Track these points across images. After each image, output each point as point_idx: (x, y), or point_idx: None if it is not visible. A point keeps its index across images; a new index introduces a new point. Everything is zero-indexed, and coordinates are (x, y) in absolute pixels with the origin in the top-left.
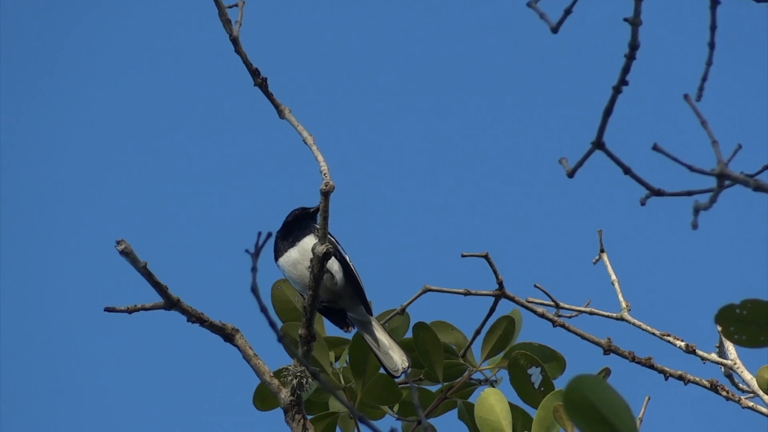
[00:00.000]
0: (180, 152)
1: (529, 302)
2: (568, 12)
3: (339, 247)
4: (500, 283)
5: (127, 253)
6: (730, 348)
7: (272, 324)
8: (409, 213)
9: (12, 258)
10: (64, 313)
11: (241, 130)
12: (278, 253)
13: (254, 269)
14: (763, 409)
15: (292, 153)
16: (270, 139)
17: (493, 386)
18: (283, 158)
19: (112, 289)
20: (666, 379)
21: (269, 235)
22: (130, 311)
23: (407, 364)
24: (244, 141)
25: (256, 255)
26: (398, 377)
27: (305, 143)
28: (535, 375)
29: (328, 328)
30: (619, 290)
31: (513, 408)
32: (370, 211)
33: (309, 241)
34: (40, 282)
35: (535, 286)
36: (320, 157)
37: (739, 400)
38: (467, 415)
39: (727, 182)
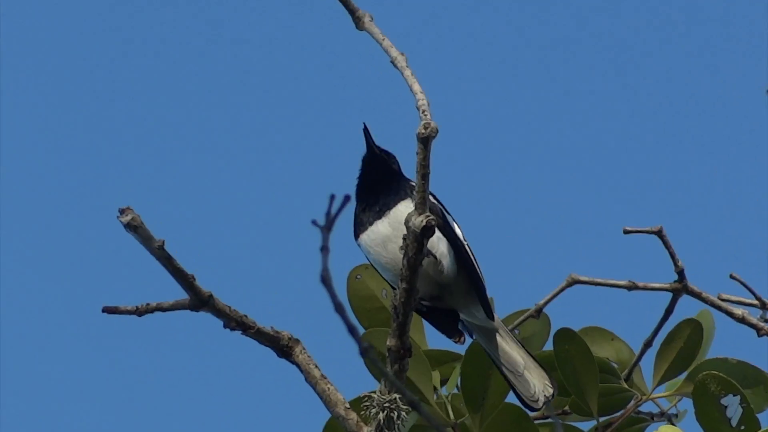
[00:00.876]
0: (206, 87)
1: (722, 300)
2: None
3: (447, 218)
4: (680, 273)
5: (135, 227)
6: None
7: (351, 330)
8: (542, 172)
9: None
10: (48, 315)
11: (292, 48)
12: (359, 227)
13: (325, 249)
14: None
15: (372, 81)
16: (337, 61)
17: (671, 423)
18: (357, 89)
19: (114, 283)
20: None
21: (347, 198)
22: (140, 312)
23: (551, 390)
24: (294, 64)
25: (328, 228)
26: (536, 409)
27: (394, 65)
28: (732, 407)
29: (430, 338)
30: None
31: None
32: (486, 166)
33: (404, 209)
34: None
35: (731, 276)
36: (416, 86)
37: None
38: None
39: None
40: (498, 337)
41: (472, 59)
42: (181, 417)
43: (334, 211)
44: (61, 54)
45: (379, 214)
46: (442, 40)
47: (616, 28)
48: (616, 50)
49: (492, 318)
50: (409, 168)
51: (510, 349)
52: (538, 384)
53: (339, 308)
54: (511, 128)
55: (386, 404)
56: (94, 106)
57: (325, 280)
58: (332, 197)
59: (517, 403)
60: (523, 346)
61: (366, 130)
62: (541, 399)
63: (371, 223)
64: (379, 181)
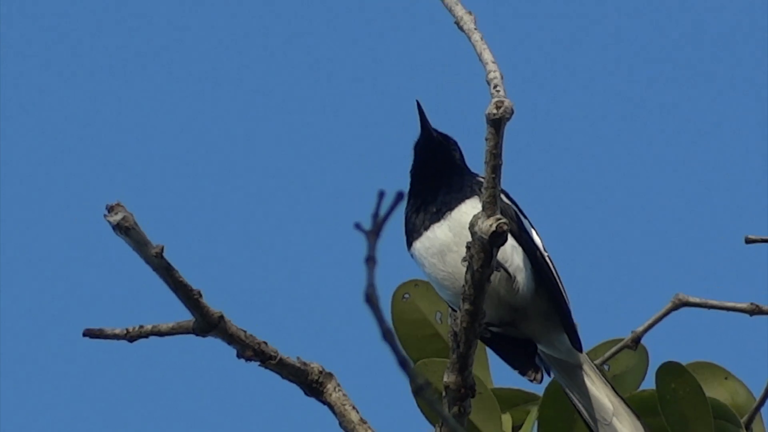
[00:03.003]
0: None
1: None
2: None
3: (523, 223)
4: None
5: (126, 229)
6: None
7: (403, 362)
8: (641, 168)
9: None
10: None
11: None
12: (412, 233)
13: (371, 260)
14: None
15: (428, 46)
16: (378, 16)
17: None
18: (408, 55)
19: (100, 299)
20: None
21: (399, 196)
22: (131, 337)
23: None
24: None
25: (376, 233)
26: None
27: (458, 27)
28: None
29: (498, 374)
30: None
31: None
32: (571, 158)
33: (469, 211)
34: None
35: None
36: (487, 55)
37: None
38: None
39: None
40: (583, 375)
41: (562, 22)
42: None
43: (383, 212)
44: (52, 51)
45: (437, 216)
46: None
47: None
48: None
49: (579, 349)
50: (474, 160)
51: (597, 390)
52: None
53: (387, 335)
54: (602, 115)
55: None
56: (87, 102)
57: (371, 299)
58: (381, 194)
59: None
60: (613, 388)
61: (420, 108)
62: None
63: (427, 228)
64: (437, 174)
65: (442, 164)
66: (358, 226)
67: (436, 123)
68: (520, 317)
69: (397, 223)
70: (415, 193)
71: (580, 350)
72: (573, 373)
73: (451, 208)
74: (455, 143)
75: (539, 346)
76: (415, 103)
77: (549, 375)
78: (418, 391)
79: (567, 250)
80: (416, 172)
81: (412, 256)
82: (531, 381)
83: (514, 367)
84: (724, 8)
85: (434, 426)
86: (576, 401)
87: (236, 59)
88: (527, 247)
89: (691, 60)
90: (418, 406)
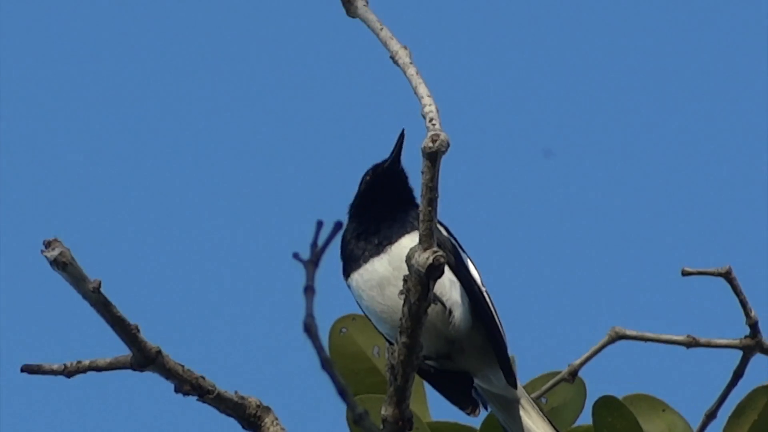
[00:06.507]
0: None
1: None
2: None
3: (461, 256)
4: (753, 326)
5: (64, 264)
6: None
7: (343, 392)
8: (578, 199)
9: None
10: None
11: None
12: (352, 264)
13: (310, 289)
14: None
15: (366, 82)
16: (321, 56)
17: None
18: (346, 91)
19: (38, 335)
20: None
21: (338, 226)
22: (69, 372)
23: None
24: (269, 57)
25: (314, 262)
26: None
27: (394, 61)
28: None
29: (435, 408)
30: None
31: None
32: (509, 191)
33: (409, 245)
34: None
35: None
36: (423, 89)
37: None
38: None
39: None
40: (519, 409)
41: (492, 56)
42: None
43: (321, 241)
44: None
45: (378, 250)
46: (456, 31)
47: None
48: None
49: (514, 385)
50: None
51: (534, 424)
52: None
53: (326, 363)
54: (539, 142)
55: None
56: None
57: (310, 328)
58: (320, 224)
59: None
60: (550, 422)
61: (401, 138)
62: None
63: (366, 260)
64: (387, 205)
65: (395, 196)
66: (296, 255)
67: (374, 157)
68: (456, 350)
69: (335, 251)
70: (357, 219)
71: (515, 386)
72: (510, 407)
73: (391, 242)
74: (395, 168)
75: (475, 380)
76: (400, 132)
77: (486, 409)
78: (358, 420)
79: (504, 283)
80: (366, 195)
81: (349, 286)
82: (468, 415)
83: (452, 401)
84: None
85: None
86: None
87: None
88: (464, 281)
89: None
90: None
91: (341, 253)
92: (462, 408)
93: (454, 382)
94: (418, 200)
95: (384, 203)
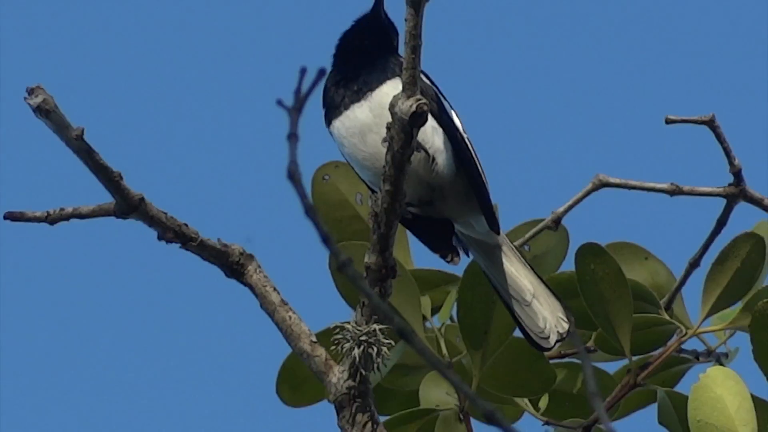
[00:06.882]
0: None
1: None
2: None
3: (443, 104)
4: (737, 174)
5: (47, 111)
6: None
7: (326, 239)
8: (562, 45)
9: None
10: None
11: None
12: (333, 111)
13: (293, 137)
14: None
15: None
16: None
17: (722, 364)
18: None
19: (21, 184)
20: None
21: (321, 73)
22: (52, 219)
23: (566, 325)
24: None
25: (297, 109)
26: (547, 349)
27: None
28: None
29: (418, 256)
30: None
31: (757, 402)
32: (493, 39)
33: (390, 92)
34: None
35: None
36: None
37: None
38: (674, 413)
39: None
40: (501, 256)
41: None
42: (103, 351)
43: (305, 88)
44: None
45: (358, 96)
46: None
47: None
48: None
49: (496, 230)
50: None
51: (516, 271)
52: (549, 317)
53: (310, 210)
54: None
55: (363, 337)
56: None
57: (294, 176)
58: (303, 71)
59: (526, 339)
60: (532, 269)
61: None
62: (553, 337)
63: (347, 107)
64: (366, 52)
65: (375, 45)
66: (279, 102)
67: (354, 6)
68: (438, 197)
69: (316, 101)
70: (337, 66)
71: (498, 232)
72: (491, 253)
73: (371, 89)
74: (397, 33)
75: (457, 227)
76: None
77: (468, 256)
78: (341, 268)
79: (487, 132)
80: (345, 43)
81: (330, 133)
82: (448, 262)
83: (431, 249)
84: None
85: (354, 309)
86: (495, 282)
87: None
88: (447, 128)
89: None
90: (338, 288)
91: (322, 100)
92: (442, 256)
93: (435, 229)
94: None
95: (364, 51)
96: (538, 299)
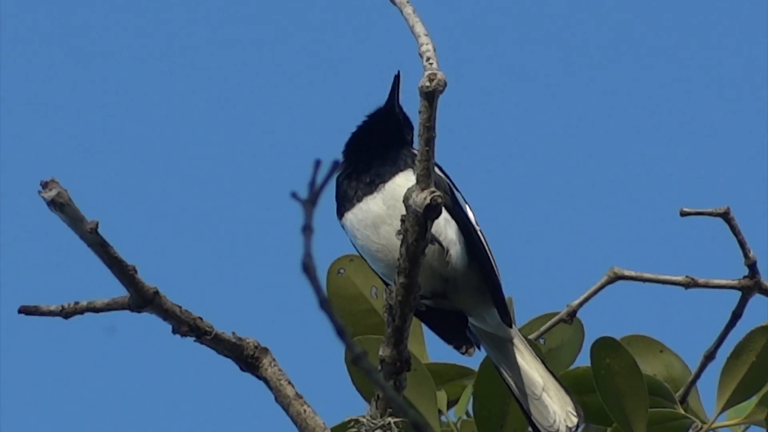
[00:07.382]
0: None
1: None
2: None
3: (456, 196)
4: (752, 266)
5: (61, 205)
6: None
7: (341, 332)
8: (577, 140)
9: None
10: None
11: None
12: (345, 203)
13: (308, 229)
14: None
15: (363, 22)
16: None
17: None
18: (344, 31)
19: (35, 277)
20: None
21: (336, 165)
22: (66, 313)
23: (575, 419)
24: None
25: (312, 202)
26: None
27: (391, 1)
28: None
29: (433, 349)
30: None
31: None
32: (505, 132)
33: (403, 183)
34: None
35: None
36: (419, 27)
37: None
38: None
39: None
40: (513, 349)
41: None
42: None
43: (319, 180)
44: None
45: (371, 188)
46: None
47: None
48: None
49: (509, 324)
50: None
51: (526, 364)
52: (558, 411)
53: (324, 303)
54: (537, 87)
55: (378, 431)
56: None
57: (308, 269)
58: (317, 163)
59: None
60: (543, 362)
61: (397, 80)
62: (562, 430)
63: (360, 199)
64: (378, 145)
65: (387, 137)
66: (294, 195)
67: (372, 97)
68: (451, 289)
69: (328, 197)
70: (348, 158)
71: (510, 325)
72: (503, 347)
73: (384, 180)
74: (412, 127)
75: (470, 319)
76: (395, 75)
77: (480, 349)
78: (356, 361)
79: (502, 225)
80: (357, 136)
81: (342, 226)
82: (462, 354)
83: (446, 340)
84: None
85: (368, 402)
86: (506, 376)
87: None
88: (460, 221)
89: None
90: (353, 381)
91: (335, 193)
92: (456, 347)
93: (449, 320)
94: (416, 142)
95: (376, 144)
96: (548, 393)
